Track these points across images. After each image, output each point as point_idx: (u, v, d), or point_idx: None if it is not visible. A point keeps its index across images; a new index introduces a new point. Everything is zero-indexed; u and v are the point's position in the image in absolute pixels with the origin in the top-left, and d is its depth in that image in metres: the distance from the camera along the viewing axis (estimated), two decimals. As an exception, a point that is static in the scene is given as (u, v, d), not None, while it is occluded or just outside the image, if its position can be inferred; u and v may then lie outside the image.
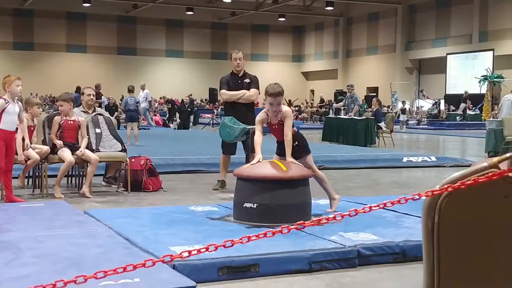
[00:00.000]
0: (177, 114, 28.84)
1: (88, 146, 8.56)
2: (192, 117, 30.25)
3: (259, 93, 8.86)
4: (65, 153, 8.20)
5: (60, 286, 2.24)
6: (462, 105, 34.61)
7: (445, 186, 2.03)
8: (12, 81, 7.50)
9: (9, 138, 7.52)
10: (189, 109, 29.42)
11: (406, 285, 4.45)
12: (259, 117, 6.45)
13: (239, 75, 8.92)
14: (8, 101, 7.48)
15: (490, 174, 2.04)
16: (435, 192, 2.04)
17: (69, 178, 9.35)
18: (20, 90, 7.60)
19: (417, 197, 2.18)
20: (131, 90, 17.85)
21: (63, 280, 2.25)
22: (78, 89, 25.69)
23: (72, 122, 8.49)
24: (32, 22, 46.03)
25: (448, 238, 2.06)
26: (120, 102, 24.81)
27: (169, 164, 11.17)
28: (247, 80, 8.87)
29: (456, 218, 2.06)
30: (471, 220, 2.08)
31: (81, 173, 8.91)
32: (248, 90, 8.77)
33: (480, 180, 2.02)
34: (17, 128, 7.73)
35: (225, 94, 8.82)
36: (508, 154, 2.14)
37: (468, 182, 2.02)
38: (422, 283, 2.12)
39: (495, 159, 2.10)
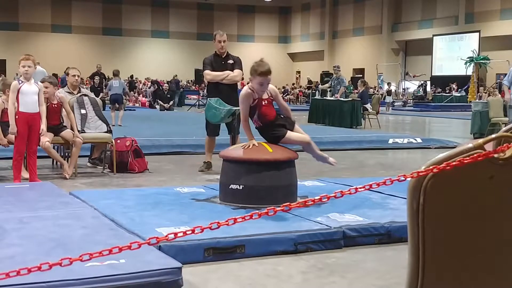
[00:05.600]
0: (158, 100, 28.84)
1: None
2: (175, 100, 30.10)
3: (243, 74, 8.85)
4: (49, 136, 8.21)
5: (45, 268, 2.22)
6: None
7: (430, 167, 2.03)
8: (20, 61, 7.37)
9: (31, 120, 7.40)
10: (170, 93, 29.34)
11: (391, 266, 4.47)
12: (245, 92, 5.93)
13: (223, 56, 8.90)
14: (22, 82, 7.35)
15: (475, 155, 2.04)
16: (420, 174, 2.03)
17: (54, 160, 9.30)
18: (26, 71, 7.33)
19: (402, 178, 2.18)
20: (116, 74, 18.25)
21: (48, 262, 2.23)
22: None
23: (56, 105, 8.44)
24: (16, 2, 45.59)
25: (433, 219, 2.06)
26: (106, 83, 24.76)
27: (155, 146, 11.15)
28: (231, 61, 8.85)
29: (441, 199, 2.06)
30: (456, 201, 2.08)
31: (66, 154, 8.88)
32: (232, 71, 8.75)
33: (466, 161, 2.02)
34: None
35: (209, 75, 8.79)
36: (493, 135, 2.14)
37: (454, 163, 2.02)
38: (407, 264, 2.13)
39: (481, 140, 2.10)
